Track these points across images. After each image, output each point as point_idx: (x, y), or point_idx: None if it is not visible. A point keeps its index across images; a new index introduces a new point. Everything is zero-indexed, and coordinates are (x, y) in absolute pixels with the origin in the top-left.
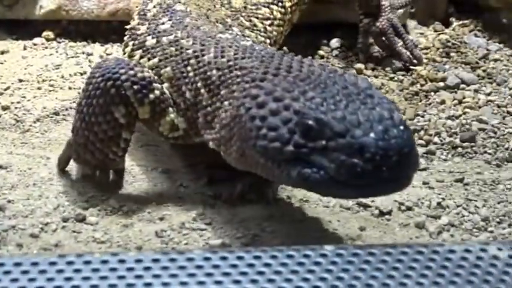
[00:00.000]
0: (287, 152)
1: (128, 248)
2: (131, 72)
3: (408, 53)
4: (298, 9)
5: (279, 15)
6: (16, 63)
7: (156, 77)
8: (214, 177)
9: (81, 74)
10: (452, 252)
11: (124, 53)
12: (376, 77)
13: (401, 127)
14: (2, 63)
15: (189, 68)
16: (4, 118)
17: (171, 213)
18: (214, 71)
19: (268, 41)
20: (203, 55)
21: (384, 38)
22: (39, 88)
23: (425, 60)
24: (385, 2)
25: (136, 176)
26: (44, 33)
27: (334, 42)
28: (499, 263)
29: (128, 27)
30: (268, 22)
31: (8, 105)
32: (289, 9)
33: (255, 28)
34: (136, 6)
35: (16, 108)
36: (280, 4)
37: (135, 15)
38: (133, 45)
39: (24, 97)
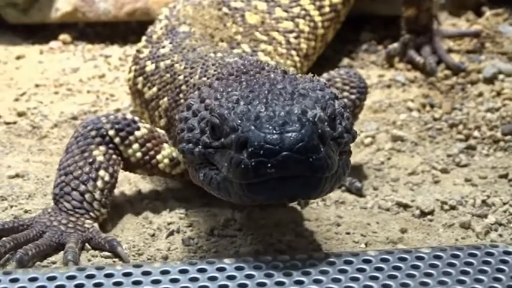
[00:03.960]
0: (196, 153)
1: (154, 258)
2: (111, 116)
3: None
4: (333, 27)
5: (307, 29)
6: (32, 68)
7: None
8: None
9: (100, 77)
10: (508, 253)
11: (128, 80)
12: (408, 70)
13: (306, 123)
14: (17, 69)
15: (181, 95)
16: (20, 124)
17: (198, 219)
18: (196, 92)
19: (293, 52)
20: (191, 78)
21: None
22: (56, 93)
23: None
24: (434, 25)
25: (160, 181)
26: (61, 37)
27: (364, 36)
28: None
29: (136, 48)
30: (293, 35)
31: (24, 111)
32: (319, 23)
33: (274, 41)
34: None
35: (33, 114)
36: (308, 18)
37: (144, 37)
38: (135, 70)
39: (41, 102)
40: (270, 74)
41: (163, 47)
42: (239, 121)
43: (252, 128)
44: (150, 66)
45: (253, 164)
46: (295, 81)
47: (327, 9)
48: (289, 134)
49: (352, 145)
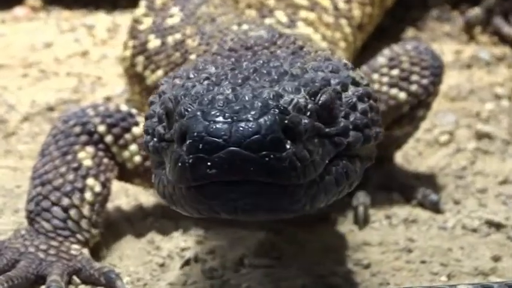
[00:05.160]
0: (151, 148)
1: None
2: (101, 108)
3: None
4: None
5: None
6: None
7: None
8: None
9: (82, 55)
10: None
11: (123, 59)
12: (495, 44)
13: (269, 111)
14: None
15: None
16: None
17: (221, 244)
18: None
19: (343, 21)
20: None
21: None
22: (25, 75)
23: None
24: None
25: None
26: (29, 1)
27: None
28: None
29: (133, 17)
30: None
31: None
32: None
33: (317, 6)
34: None
35: None
36: None
37: (143, 1)
38: (133, 47)
39: (5, 88)
40: (276, 50)
41: (172, 16)
42: (189, 105)
43: (198, 113)
44: (154, 42)
45: (190, 162)
46: (299, 59)
47: None
48: (242, 124)
49: (423, 144)
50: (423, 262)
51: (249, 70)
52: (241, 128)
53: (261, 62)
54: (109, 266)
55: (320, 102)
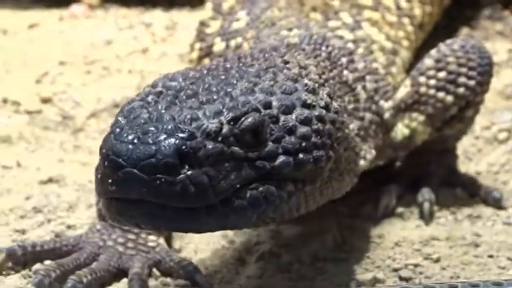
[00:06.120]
0: None
1: None
2: None
3: None
4: None
5: None
6: (52, 41)
7: None
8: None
9: (143, 52)
10: None
11: (190, 61)
12: None
13: (171, 135)
14: (31, 41)
15: None
16: (46, 114)
17: (295, 238)
18: None
19: (406, 20)
20: None
21: None
22: (88, 72)
23: None
24: None
25: None
26: None
27: None
28: None
29: (200, 20)
30: None
31: (49, 96)
32: None
33: (380, 6)
34: None
35: (61, 100)
36: None
37: (210, 4)
38: (200, 49)
39: (69, 85)
40: (255, 64)
41: (238, 20)
42: (117, 120)
43: (115, 131)
44: (219, 45)
45: (98, 177)
46: (258, 78)
47: None
48: (141, 147)
49: (482, 142)
50: (490, 256)
51: (204, 86)
52: (138, 151)
53: (222, 78)
54: (187, 259)
55: (242, 127)
